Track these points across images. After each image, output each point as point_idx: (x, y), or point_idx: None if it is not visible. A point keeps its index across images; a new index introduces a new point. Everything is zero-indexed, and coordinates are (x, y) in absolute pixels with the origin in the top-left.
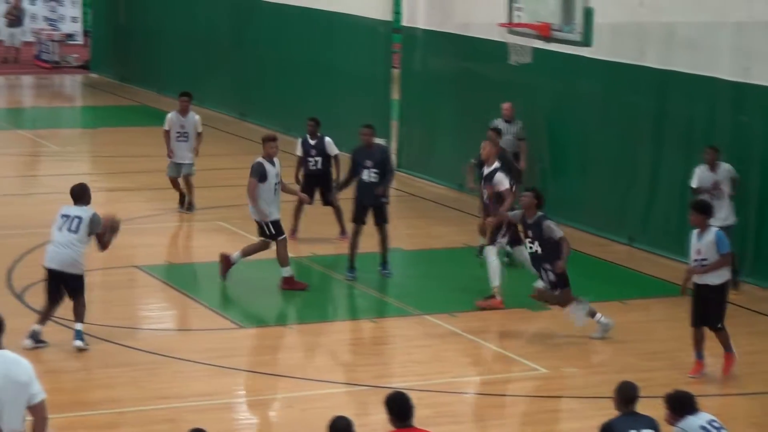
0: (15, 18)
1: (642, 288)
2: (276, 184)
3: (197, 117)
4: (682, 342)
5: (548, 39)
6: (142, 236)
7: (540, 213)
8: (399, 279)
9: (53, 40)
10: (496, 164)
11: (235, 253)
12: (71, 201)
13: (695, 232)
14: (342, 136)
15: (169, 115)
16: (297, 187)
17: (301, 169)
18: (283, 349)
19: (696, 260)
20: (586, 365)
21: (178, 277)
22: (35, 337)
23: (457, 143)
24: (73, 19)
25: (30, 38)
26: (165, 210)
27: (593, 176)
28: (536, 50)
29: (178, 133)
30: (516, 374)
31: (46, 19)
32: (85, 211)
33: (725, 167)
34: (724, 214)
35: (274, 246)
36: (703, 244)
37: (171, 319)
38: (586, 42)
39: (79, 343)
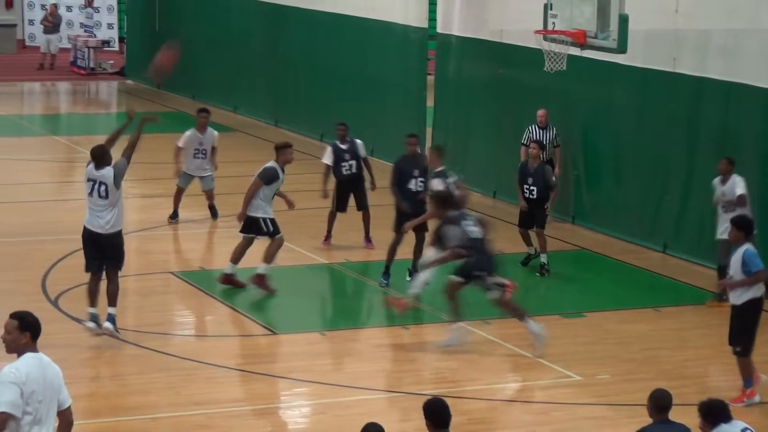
0: (52, 24)
1: (675, 295)
2: (277, 189)
3: (216, 133)
4: (715, 350)
5: (583, 46)
6: (176, 242)
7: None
8: (431, 285)
9: (89, 47)
10: (440, 168)
11: (228, 266)
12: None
13: (733, 247)
14: (376, 143)
15: (188, 134)
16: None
17: (330, 177)
18: (316, 356)
19: (730, 276)
20: (619, 372)
21: (212, 283)
22: (95, 320)
23: (491, 150)
24: (109, 26)
25: (66, 45)
26: (199, 216)
27: (627, 183)
28: (571, 57)
29: (196, 150)
30: (549, 381)
31: (83, 25)
32: (108, 174)
33: (734, 180)
34: (723, 228)
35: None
36: (733, 260)
37: (205, 325)
38: (621, 49)
39: (109, 325)
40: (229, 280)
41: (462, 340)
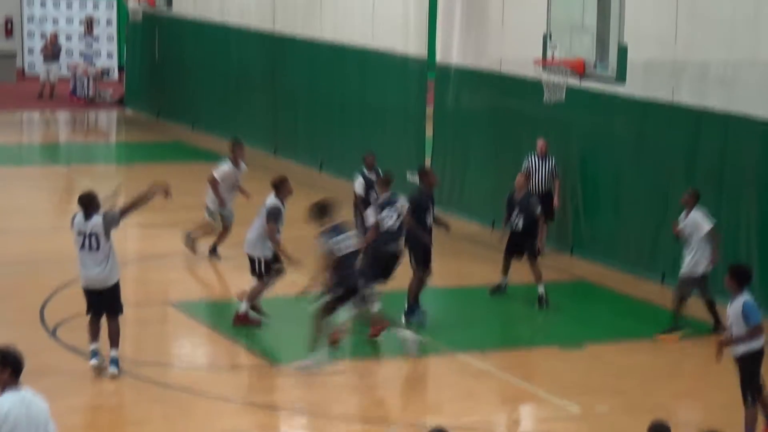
0: (51, 53)
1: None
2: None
3: (245, 167)
4: (713, 381)
5: (582, 76)
6: (176, 272)
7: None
8: (430, 317)
9: (89, 76)
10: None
11: (242, 305)
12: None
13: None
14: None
15: (226, 168)
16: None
17: (359, 209)
18: (314, 387)
19: (729, 324)
20: (618, 404)
21: (211, 314)
22: (96, 356)
23: (490, 180)
24: (109, 55)
25: (66, 74)
26: (200, 247)
27: (626, 214)
28: (570, 88)
29: (232, 185)
30: (548, 413)
31: (82, 54)
32: (97, 223)
33: (695, 217)
34: (687, 261)
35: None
36: (731, 310)
37: (203, 356)
38: (620, 79)
39: (114, 370)
40: (244, 319)
41: (323, 364)
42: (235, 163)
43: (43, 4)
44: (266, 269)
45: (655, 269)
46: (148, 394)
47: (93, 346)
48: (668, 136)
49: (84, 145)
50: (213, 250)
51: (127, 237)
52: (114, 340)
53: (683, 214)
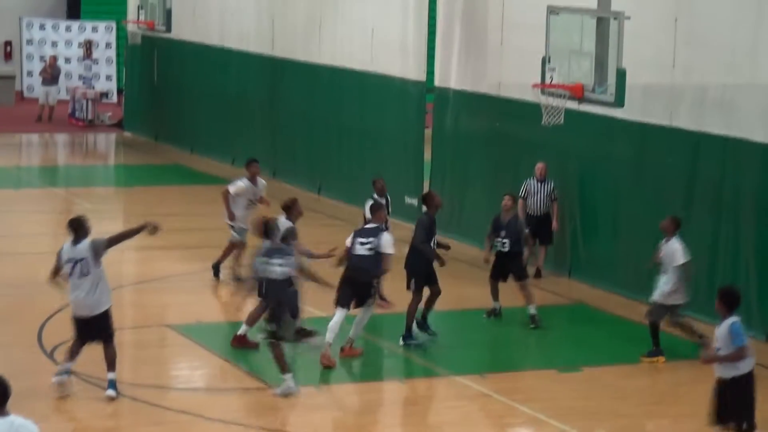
0: (50, 76)
1: (671, 349)
2: None
3: (264, 182)
4: None
5: (581, 100)
6: (173, 295)
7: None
8: (427, 339)
9: (88, 99)
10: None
11: (243, 327)
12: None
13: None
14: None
15: (242, 184)
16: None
17: None
18: (312, 409)
19: (717, 348)
20: (617, 428)
21: (209, 336)
22: (62, 374)
23: (488, 204)
24: (108, 78)
25: (65, 96)
26: (197, 269)
27: (624, 237)
28: (568, 111)
29: (249, 201)
30: None
31: (81, 77)
32: (85, 248)
33: (673, 246)
34: (660, 287)
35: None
36: (718, 332)
37: (201, 378)
38: (618, 103)
39: (111, 392)
40: (241, 341)
41: (293, 389)
42: (252, 181)
43: (42, 27)
44: None
45: (653, 293)
46: (147, 416)
47: (66, 365)
48: (666, 159)
49: (83, 168)
50: (216, 267)
51: (124, 260)
52: (111, 364)
53: (663, 241)
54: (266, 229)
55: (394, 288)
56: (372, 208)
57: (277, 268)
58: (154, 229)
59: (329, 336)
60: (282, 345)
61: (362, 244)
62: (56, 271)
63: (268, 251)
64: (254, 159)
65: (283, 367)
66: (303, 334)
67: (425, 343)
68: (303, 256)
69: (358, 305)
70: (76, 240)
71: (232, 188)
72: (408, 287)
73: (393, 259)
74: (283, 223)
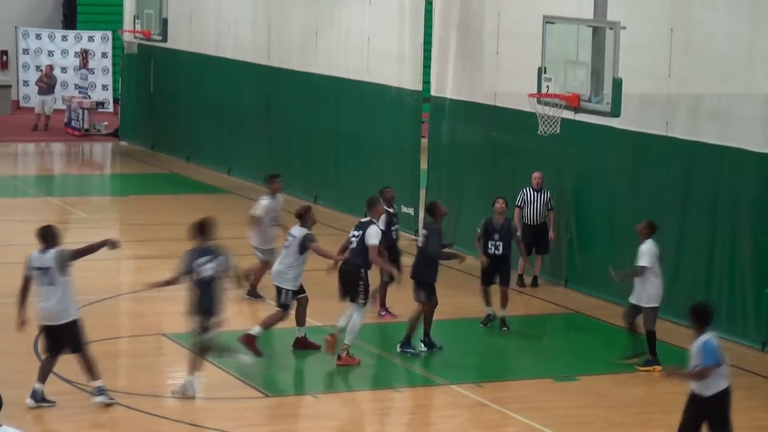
0: (46, 86)
1: (667, 359)
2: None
3: (282, 199)
4: None
5: (577, 109)
6: (169, 304)
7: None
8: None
9: (83, 108)
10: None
11: (255, 328)
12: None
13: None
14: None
15: (265, 203)
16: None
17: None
18: (309, 419)
19: (695, 366)
20: None
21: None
22: (36, 397)
23: (484, 213)
24: (104, 87)
25: (61, 106)
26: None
27: (620, 246)
28: (564, 121)
29: (272, 218)
30: None
31: (77, 87)
32: (51, 257)
33: (644, 246)
34: (637, 293)
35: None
36: (693, 348)
37: (199, 386)
38: (614, 112)
39: (101, 398)
40: (249, 340)
41: (193, 389)
42: (273, 197)
43: (38, 37)
44: (288, 301)
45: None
46: (143, 425)
47: (36, 386)
48: (662, 168)
49: (79, 177)
50: (253, 291)
51: (120, 269)
52: (91, 372)
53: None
54: (203, 229)
55: (400, 297)
56: (369, 202)
57: (209, 267)
58: (113, 245)
59: (348, 339)
60: (207, 350)
61: (354, 237)
62: (25, 281)
63: (204, 250)
64: (276, 174)
65: (195, 367)
66: (227, 349)
67: (422, 353)
68: (324, 257)
69: (352, 300)
70: (45, 249)
71: (259, 211)
72: (416, 298)
73: (375, 250)
74: (299, 231)
